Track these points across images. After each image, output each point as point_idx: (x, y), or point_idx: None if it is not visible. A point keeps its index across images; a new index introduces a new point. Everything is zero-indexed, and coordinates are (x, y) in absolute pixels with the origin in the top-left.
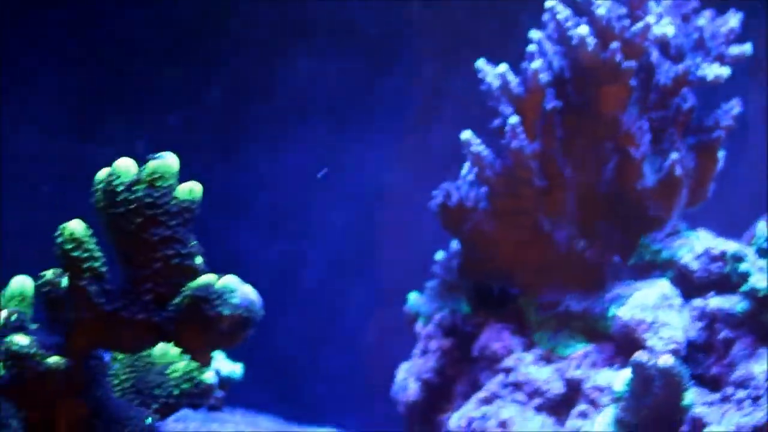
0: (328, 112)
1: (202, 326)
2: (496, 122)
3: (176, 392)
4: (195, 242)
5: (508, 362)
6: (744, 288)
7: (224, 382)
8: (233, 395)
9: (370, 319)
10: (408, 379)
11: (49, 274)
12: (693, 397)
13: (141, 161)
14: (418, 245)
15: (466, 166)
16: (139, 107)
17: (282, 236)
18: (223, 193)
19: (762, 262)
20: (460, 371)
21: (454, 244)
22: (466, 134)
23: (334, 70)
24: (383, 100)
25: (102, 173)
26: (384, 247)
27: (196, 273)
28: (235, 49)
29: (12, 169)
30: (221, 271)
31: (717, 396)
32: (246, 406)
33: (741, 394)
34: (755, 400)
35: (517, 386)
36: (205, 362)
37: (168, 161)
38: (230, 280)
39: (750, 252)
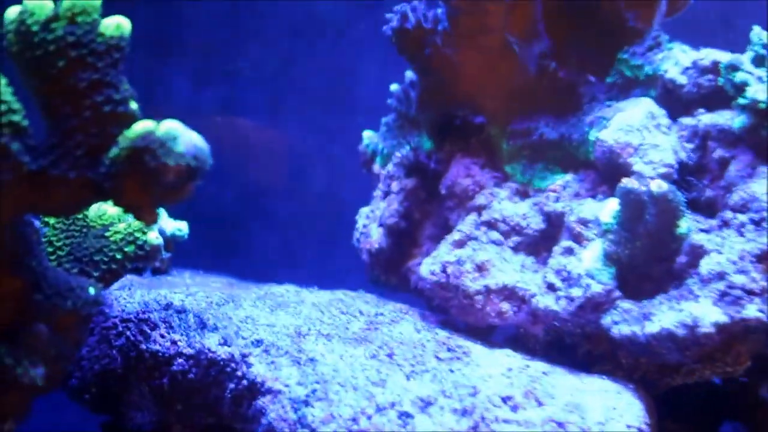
0: None
1: (145, 180)
2: None
3: (119, 256)
4: (128, 85)
5: (480, 199)
6: (742, 101)
7: (169, 241)
8: (179, 255)
9: (316, 161)
10: (370, 225)
11: None
12: (689, 224)
13: None
14: (361, 78)
15: None
16: None
17: (216, 77)
18: (150, 34)
19: (761, 71)
20: (428, 213)
21: (409, 74)
22: None
23: None
24: None
25: (11, 12)
26: (324, 79)
27: (132, 120)
28: None
29: None
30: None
31: (715, 222)
32: (193, 267)
33: (742, 218)
34: (758, 223)
35: (492, 225)
36: (151, 220)
37: None
38: (172, 126)
39: (746, 60)
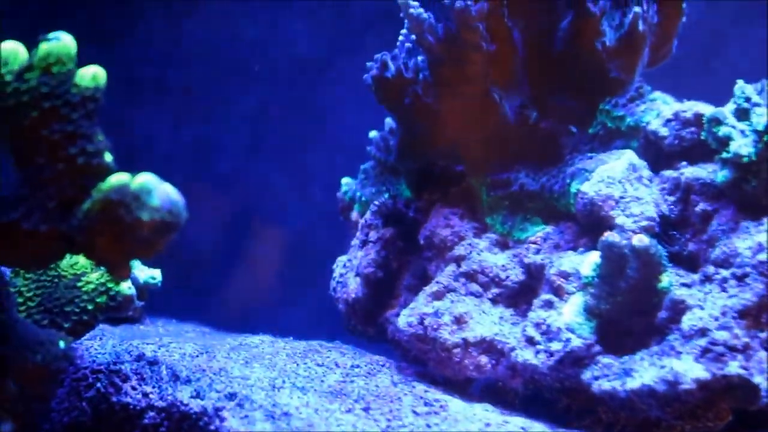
0: None
1: (119, 234)
2: None
3: (90, 307)
4: (102, 137)
5: (459, 250)
6: (725, 155)
7: (142, 290)
8: (153, 302)
9: (294, 205)
10: (347, 274)
11: None
12: (671, 278)
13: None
14: (342, 122)
15: (404, 32)
16: None
17: (194, 119)
18: (123, 74)
19: (743, 125)
20: (406, 263)
21: (390, 121)
22: None
23: None
24: None
25: None
26: (305, 125)
27: (106, 172)
28: None
29: None
30: (124, 163)
31: (697, 276)
32: (168, 314)
33: (724, 273)
34: (740, 279)
35: (470, 276)
36: (124, 275)
37: (64, 42)
38: (147, 179)
39: (729, 114)
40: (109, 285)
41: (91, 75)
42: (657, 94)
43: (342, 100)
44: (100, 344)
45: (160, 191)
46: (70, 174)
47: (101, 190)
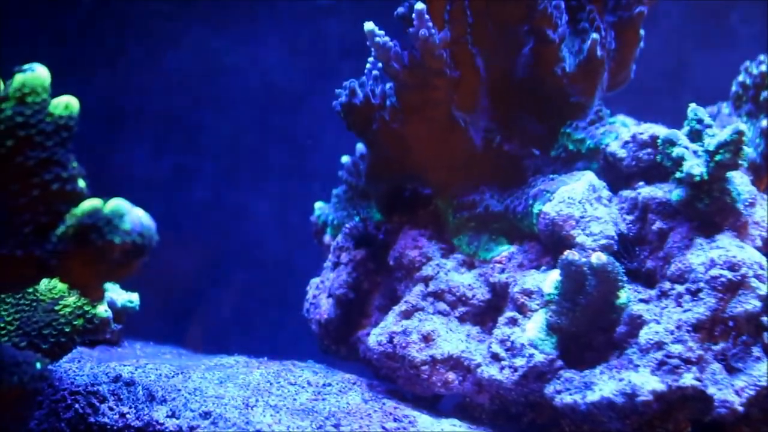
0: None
1: (91, 257)
2: (400, 10)
3: (68, 330)
4: (76, 164)
5: (426, 270)
6: (679, 174)
7: (120, 313)
8: (131, 325)
9: (271, 231)
10: (320, 295)
11: None
12: (629, 294)
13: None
14: (317, 149)
15: (371, 60)
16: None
17: (171, 148)
18: (104, 104)
19: (696, 146)
20: (376, 283)
21: (360, 146)
22: (369, 25)
23: None
24: None
25: None
26: (281, 152)
27: (80, 198)
28: None
29: None
30: (105, 190)
31: (654, 292)
32: (145, 337)
33: (679, 288)
34: (694, 294)
35: (438, 296)
36: (97, 297)
37: (38, 73)
38: (119, 203)
39: (682, 135)
40: (86, 308)
41: (65, 104)
42: (618, 117)
43: (318, 128)
44: (78, 366)
45: (131, 215)
46: (44, 200)
47: (74, 215)
